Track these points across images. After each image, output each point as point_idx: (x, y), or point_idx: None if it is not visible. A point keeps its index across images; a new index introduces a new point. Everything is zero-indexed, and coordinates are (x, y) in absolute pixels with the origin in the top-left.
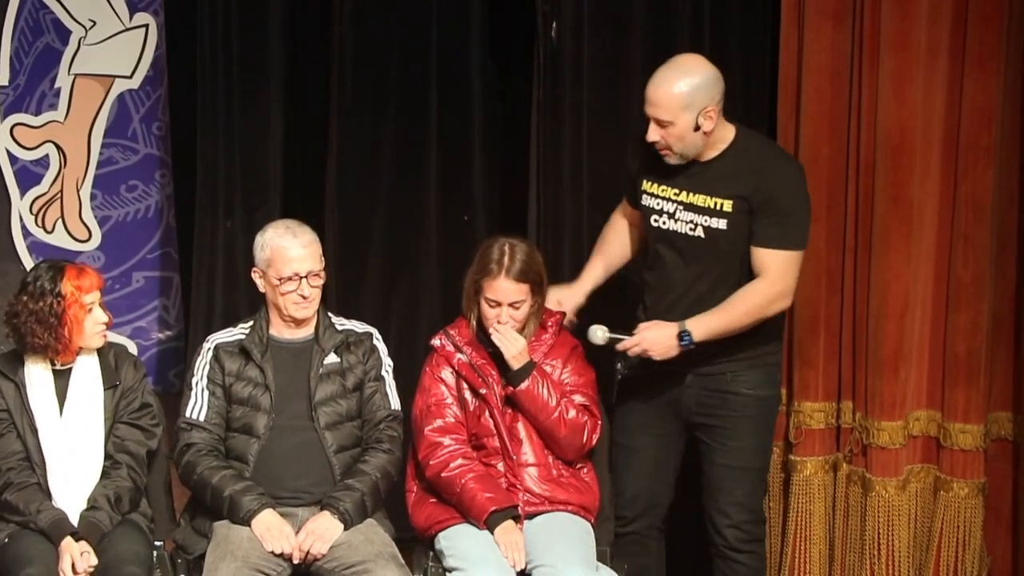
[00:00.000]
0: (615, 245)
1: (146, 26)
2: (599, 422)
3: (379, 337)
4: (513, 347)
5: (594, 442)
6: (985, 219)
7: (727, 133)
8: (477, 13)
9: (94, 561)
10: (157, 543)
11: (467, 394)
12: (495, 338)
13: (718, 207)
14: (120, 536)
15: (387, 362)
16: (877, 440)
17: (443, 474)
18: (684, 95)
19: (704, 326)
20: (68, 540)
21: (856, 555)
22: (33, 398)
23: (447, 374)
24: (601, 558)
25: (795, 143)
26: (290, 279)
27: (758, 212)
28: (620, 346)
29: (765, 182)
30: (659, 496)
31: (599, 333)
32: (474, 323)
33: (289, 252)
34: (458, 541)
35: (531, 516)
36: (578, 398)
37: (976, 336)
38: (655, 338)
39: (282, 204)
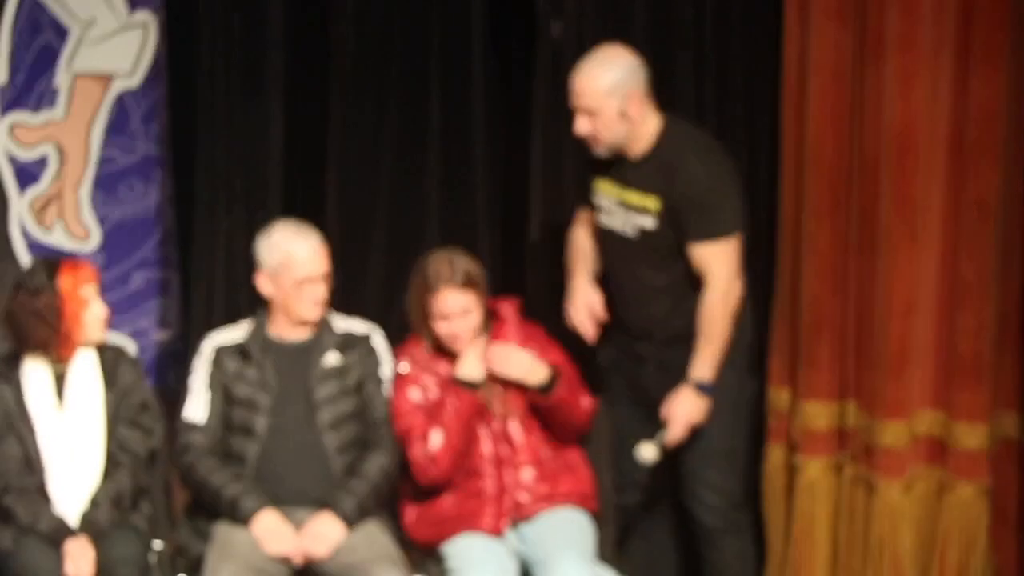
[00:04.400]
0: (588, 250)
1: (146, 25)
2: (590, 396)
3: (379, 337)
4: (526, 368)
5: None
6: (990, 219)
7: (654, 126)
8: (478, 12)
9: (91, 555)
10: (157, 544)
11: (447, 407)
12: (502, 369)
13: (645, 206)
14: (116, 538)
15: (388, 362)
16: (881, 441)
17: (437, 459)
18: (608, 81)
19: (708, 364)
20: (70, 543)
21: (860, 557)
22: (31, 399)
23: (415, 394)
24: (604, 559)
25: (799, 142)
26: (307, 282)
27: (681, 211)
28: (669, 441)
29: (678, 182)
30: (654, 480)
31: (650, 450)
32: (429, 343)
33: (302, 254)
34: (458, 543)
35: (537, 514)
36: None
37: (981, 336)
38: (686, 411)
39: (282, 203)
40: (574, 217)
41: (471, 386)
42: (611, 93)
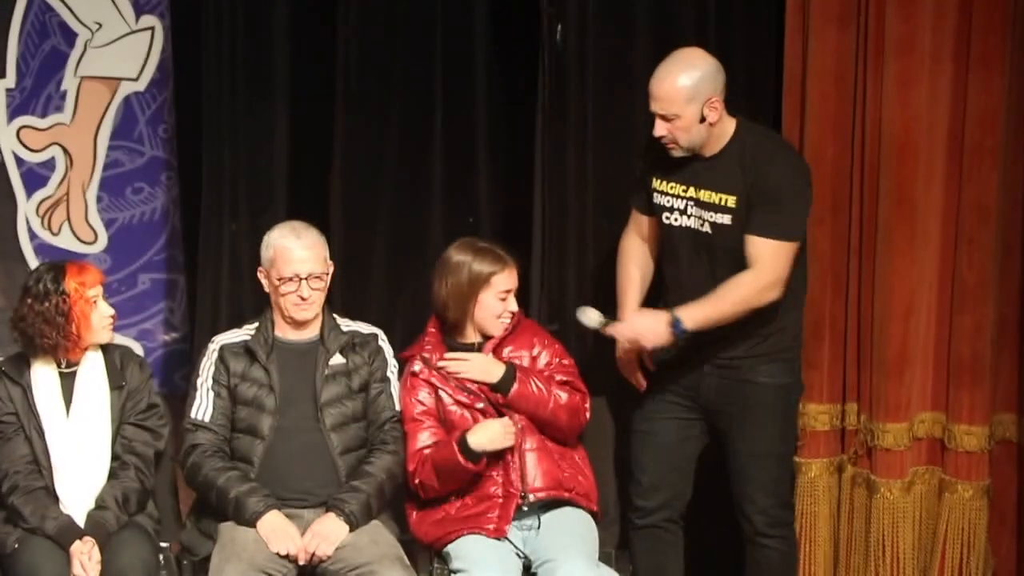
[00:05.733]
0: (636, 273)
1: (152, 28)
2: (586, 395)
3: (384, 338)
4: (481, 369)
5: (587, 416)
6: (989, 221)
7: (729, 126)
8: (481, 16)
9: (98, 557)
10: (163, 545)
11: (453, 407)
12: (459, 372)
13: (723, 203)
14: (124, 539)
15: (392, 363)
16: (882, 442)
17: (421, 476)
18: (688, 88)
19: (696, 315)
20: (77, 543)
21: (861, 557)
22: (39, 401)
23: (424, 395)
24: (606, 560)
25: (800, 146)
26: (290, 280)
27: (754, 204)
28: (610, 329)
29: (761, 175)
30: (678, 485)
31: (592, 315)
32: (465, 329)
33: (291, 253)
34: (463, 544)
35: (540, 506)
36: (559, 376)
37: (981, 338)
38: (646, 324)
39: (287, 206)
40: (627, 222)
41: (476, 456)
42: (692, 99)
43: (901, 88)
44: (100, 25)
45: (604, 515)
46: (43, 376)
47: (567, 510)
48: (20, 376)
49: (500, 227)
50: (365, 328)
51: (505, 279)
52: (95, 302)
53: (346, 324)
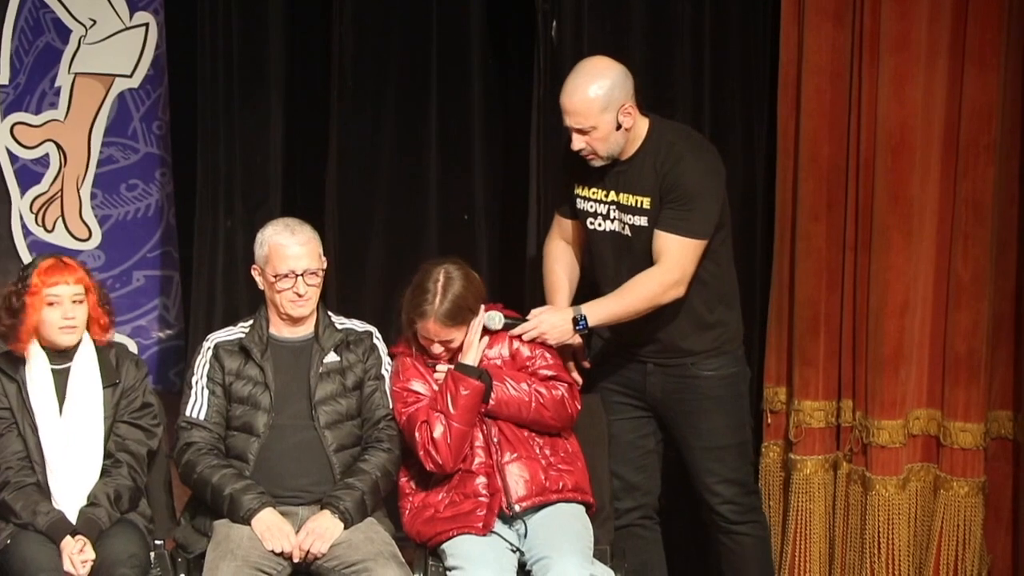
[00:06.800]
0: (563, 275)
1: (146, 25)
2: (574, 384)
3: (379, 336)
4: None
5: (579, 405)
6: (985, 217)
7: (643, 128)
8: (477, 12)
9: (91, 555)
10: (157, 542)
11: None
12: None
13: (639, 205)
14: (115, 536)
15: (387, 361)
16: (877, 439)
17: (438, 443)
18: (601, 98)
19: (600, 311)
20: (68, 539)
21: (856, 554)
22: (33, 397)
23: (417, 385)
24: (602, 557)
25: (795, 142)
26: (285, 276)
27: (664, 201)
28: (516, 331)
29: (671, 174)
30: (645, 483)
31: (496, 318)
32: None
33: (286, 250)
34: (457, 542)
35: (535, 509)
36: (543, 372)
37: (976, 335)
38: (551, 322)
39: (282, 203)
40: (551, 227)
41: (473, 372)
42: (605, 109)
43: (897, 84)
44: (94, 21)
45: (600, 511)
46: (37, 373)
47: (560, 506)
48: (15, 372)
49: (496, 223)
50: (360, 326)
51: (423, 326)
52: (55, 302)
53: (341, 322)
